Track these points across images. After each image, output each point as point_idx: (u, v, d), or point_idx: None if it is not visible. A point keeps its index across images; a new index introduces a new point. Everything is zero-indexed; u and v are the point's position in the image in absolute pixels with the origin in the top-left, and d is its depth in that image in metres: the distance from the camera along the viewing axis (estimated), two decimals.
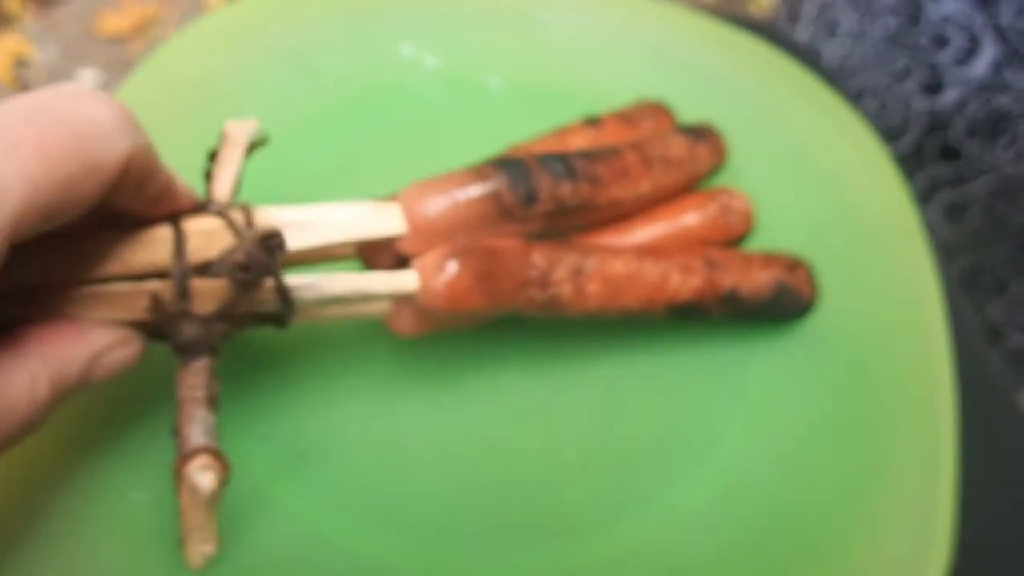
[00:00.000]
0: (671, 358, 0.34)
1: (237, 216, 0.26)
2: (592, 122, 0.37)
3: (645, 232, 0.34)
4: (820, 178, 0.39)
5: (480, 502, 0.31)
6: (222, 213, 0.26)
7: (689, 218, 0.35)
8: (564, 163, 0.31)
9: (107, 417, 0.31)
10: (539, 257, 0.30)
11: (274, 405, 0.32)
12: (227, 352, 0.32)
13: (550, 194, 0.30)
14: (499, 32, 0.44)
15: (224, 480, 0.26)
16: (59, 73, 0.78)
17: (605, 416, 0.33)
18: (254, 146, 0.29)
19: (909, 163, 0.45)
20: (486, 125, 0.39)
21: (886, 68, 0.43)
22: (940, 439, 0.33)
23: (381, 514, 0.30)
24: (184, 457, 0.25)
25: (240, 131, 0.29)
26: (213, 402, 0.26)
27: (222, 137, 0.29)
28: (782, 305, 0.34)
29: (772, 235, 0.37)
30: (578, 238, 0.33)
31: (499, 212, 0.29)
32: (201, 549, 0.27)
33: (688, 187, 0.36)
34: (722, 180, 0.38)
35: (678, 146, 0.35)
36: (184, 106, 0.39)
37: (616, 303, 0.31)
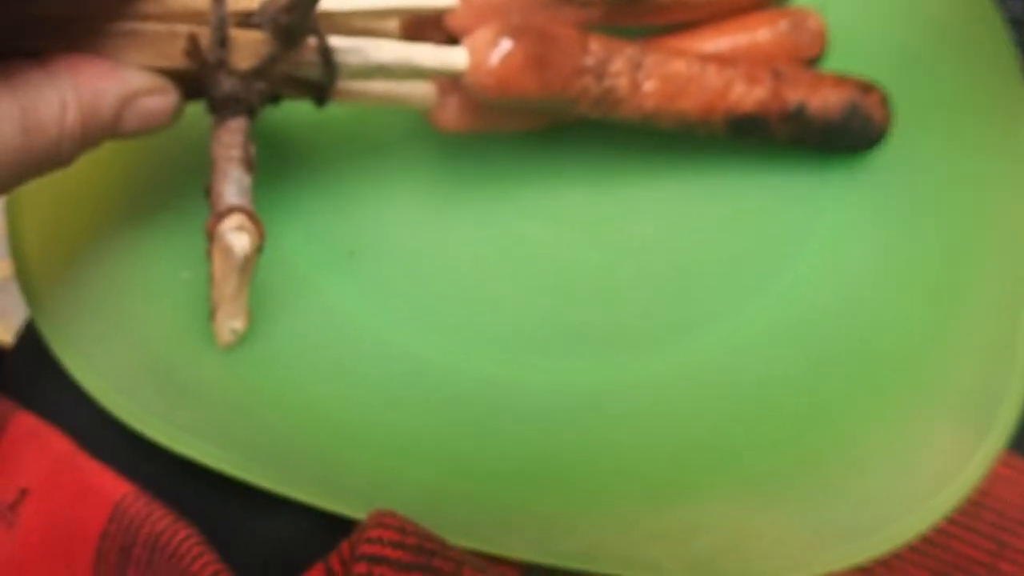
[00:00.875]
0: (743, 181, 0.33)
1: None
2: None
3: (710, 44, 0.32)
4: (911, 9, 0.36)
5: (531, 308, 0.30)
6: None
7: (759, 34, 0.32)
8: None
9: (167, 193, 0.30)
10: (597, 45, 0.28)
11: (324, 203, 0.31)
12: (280, 148, 0.32)
13: None
14: None
15: (258, 246, 0.25)
16: None
17: (669, 234, 0.32)
18: None
19: None
20: None
21: None
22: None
23: (429, 313, 0.30)
24: (218, 215, 0.24)
25: None
26: (249, 164, 0.25)
27: None
28: (853, 129, 0.32)
29: (852, 65, 0.34)
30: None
31: None
32: (231, 324, 0.26)
33: (757, 4, 0.34)
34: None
35: None
36: None
37: (674, 105, 0.29)
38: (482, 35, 0.26)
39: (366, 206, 0.31)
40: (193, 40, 0.23)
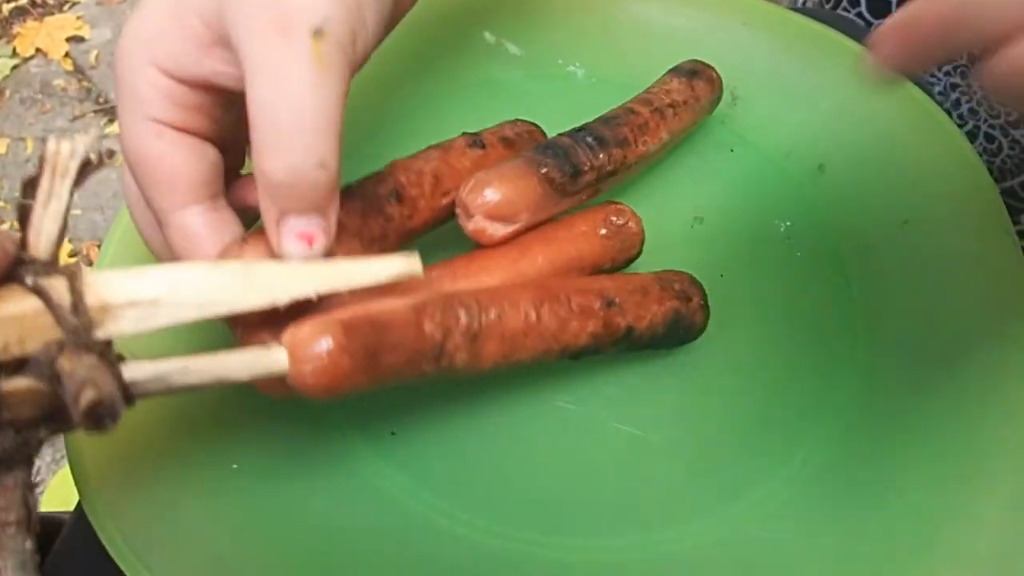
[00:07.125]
0: (762, 352, 0.34)
1: (59, 289, 0.21)
2: None
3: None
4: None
5: (564, 484, 0.31)
6: (39, 290, 0.21)
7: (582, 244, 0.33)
8: (593, 134, 0.33)
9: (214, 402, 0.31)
10: (432, 326, 0.25)
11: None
12: None
13: (591, 165, 0.32)
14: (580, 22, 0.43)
15: None
16: (112, 51, 0.75)
17: (693, 406, 0.33)
18: (87, 169, 0.22)
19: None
20: (570, 111, 0.36)
21: None
22: None
23: (461, 490, 0.30)
24: None
25: (66, 154, 0.22)
26: (31, 523, 0.21)
27: (41, 161, 0.22)
28: (677, 334, 0.33)
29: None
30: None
31: (553, 190, 0.31)
32: None
33: (695, 124, 0.38)
34: None
35: (678, 89, 0.36)
36: None
37: (512, 358, 0.28)
38: (302, 333, 0.23)
39: (406, 397, 0.32)
40: None
